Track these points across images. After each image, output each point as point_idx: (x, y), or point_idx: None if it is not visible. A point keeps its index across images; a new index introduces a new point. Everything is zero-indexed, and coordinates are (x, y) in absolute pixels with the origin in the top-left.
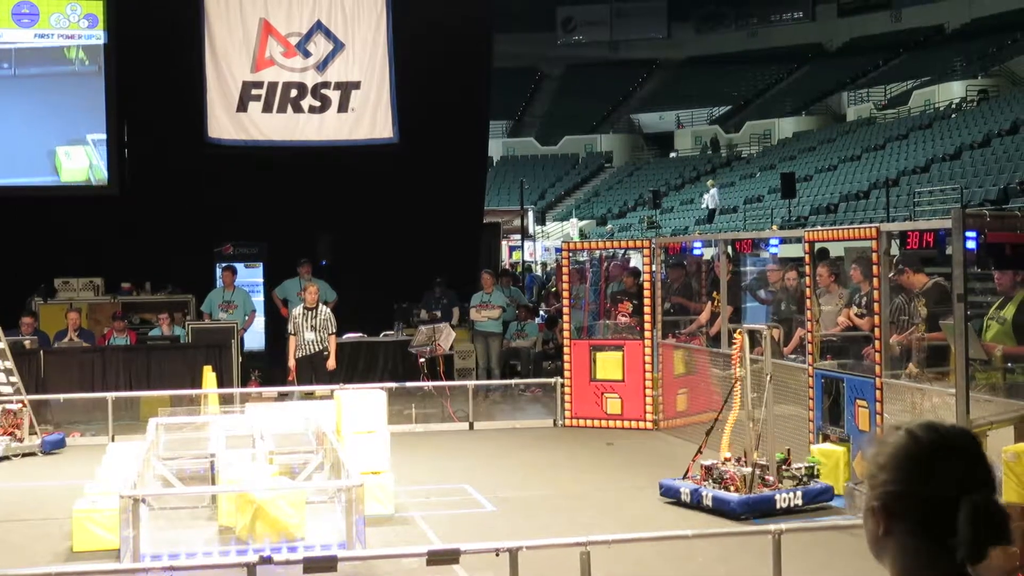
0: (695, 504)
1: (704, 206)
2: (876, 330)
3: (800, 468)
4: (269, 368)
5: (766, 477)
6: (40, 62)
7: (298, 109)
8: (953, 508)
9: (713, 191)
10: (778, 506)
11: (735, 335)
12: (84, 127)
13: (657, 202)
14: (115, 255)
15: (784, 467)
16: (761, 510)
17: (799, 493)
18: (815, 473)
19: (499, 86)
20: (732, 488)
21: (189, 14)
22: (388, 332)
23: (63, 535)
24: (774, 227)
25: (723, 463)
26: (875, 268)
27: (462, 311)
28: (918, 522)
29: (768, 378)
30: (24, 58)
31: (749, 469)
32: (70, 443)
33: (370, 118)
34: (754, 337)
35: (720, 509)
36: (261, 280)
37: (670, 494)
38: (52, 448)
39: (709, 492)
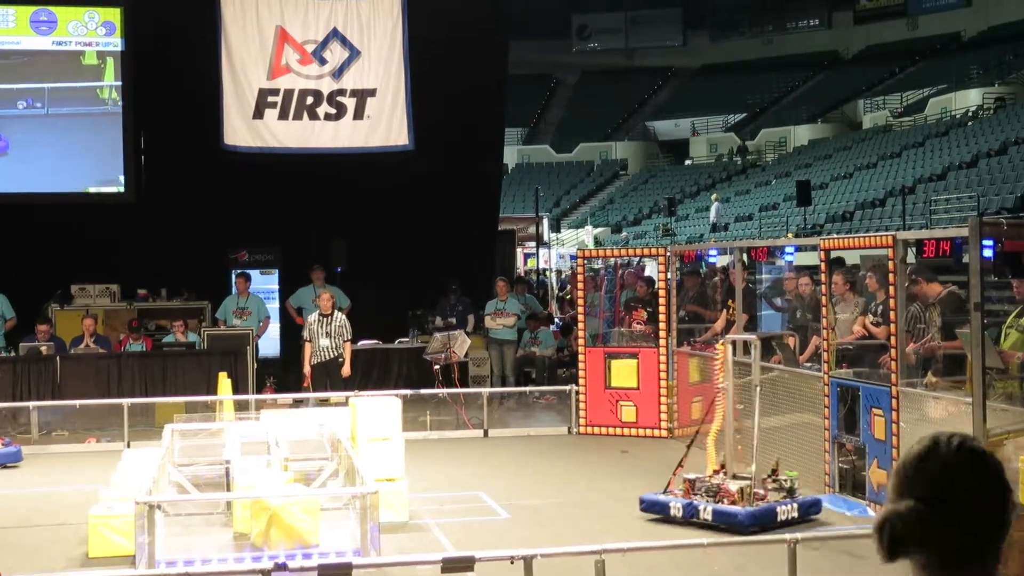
0: (687, 518)
1: (709, 219)
2: (892, 339)
3: (787, 480)
4: (284, 375)
5: (755, 490)
6: (73, 102)
7: (314, 116)
8: (970, 508)
9: (716, 205)
10: (779, 518)
11: (718, 346)
12: (117, 168)
13: (672, 209)
14: (131, 261)
15: (772, 478)
16: (765, 523)
17: (795, 505)
18: (795, 485)
19: (514, 93)
20: (727, 501)
21: (206, 21)
22: (403, 339)
23: (79, 541)
24: (789, 235)
25: (711, 476)
26: (891, 276)
27: (477, 318)
28: (934, 529)
29: (756, 389)
30: (57, 97)
31: (745, 481)
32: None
33: (385, 125)
34: (769, 345)
35: (724, 523)
36: (276, 287)
37: (654, 509)
38: (5, 461)
39: (708, 506)
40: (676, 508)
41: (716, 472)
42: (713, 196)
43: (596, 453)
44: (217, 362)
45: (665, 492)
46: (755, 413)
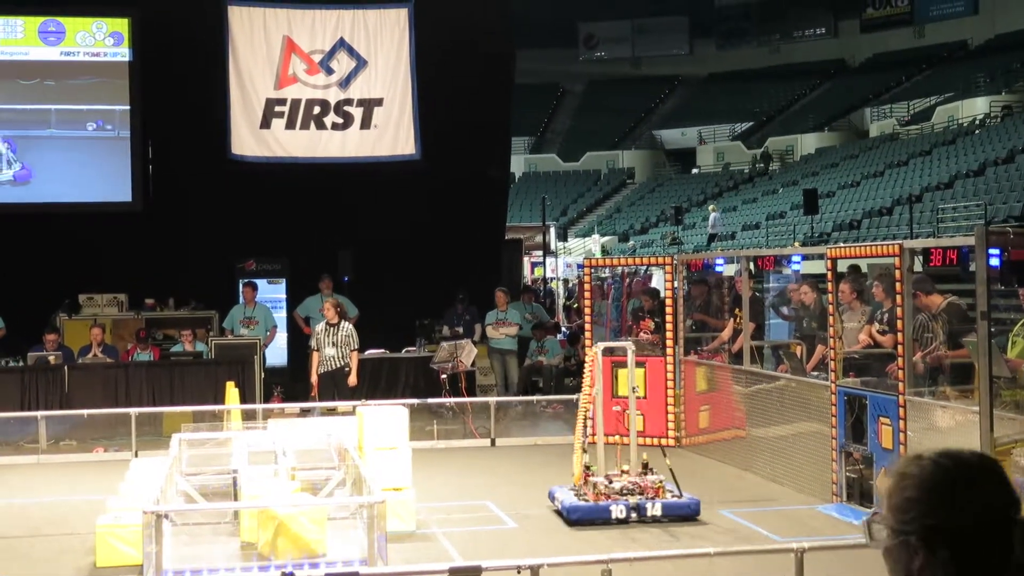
0: (638, 519)
1: (707, 230)
2: (899, 347)
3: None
4: (291, 384)
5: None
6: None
7: (321, 126)
8: (992, 533)
9: (713, 216)
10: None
11: (589, 353)
12: (125, 178)
13: (679, 218)
14: (138, 271)
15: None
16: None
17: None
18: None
19: (521, 102)
20: (652, 495)
21: (213, 31)
22: (410, 348)
23: (86, 550)
24: (796, 244)
25: (621, 474)
26: (898, 285)
27: (484, 328)
28: (956, 551)
29: (633, 392)
30: (112, 118)
31: (656, 477)
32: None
33: (392, 135)
34: (777, 354)
35: (677, 515)
36: (284, 296)
37: (592, 514)
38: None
39: (656, 503)
40: (620, 510)
41: (624, 472)
42: (711, 207)
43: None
44: (224, 371)
45: (579, 496)
46: (632, 423)
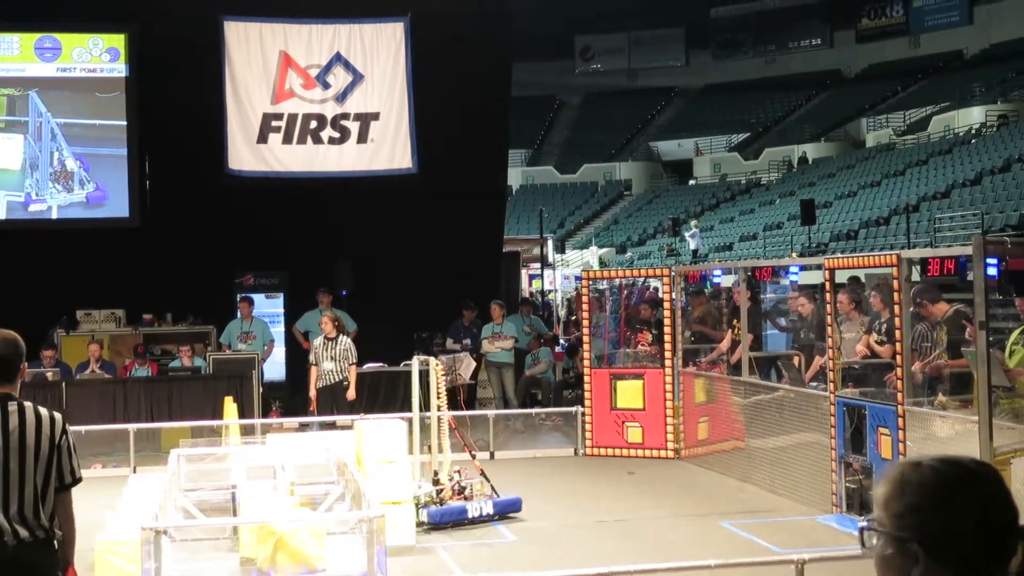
0: (485, 517)
1: (688, 246)
2: (898, 357)
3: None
4: (290, 398)
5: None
6: None
7: (318, 140)
8: (992, 539)
9: (695, 231)
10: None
11: (435, 365)
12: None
13: (676, 230)
14: (136, 287)
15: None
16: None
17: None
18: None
19: (518, 115)
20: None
21: (210, 47)
22: (408, 362)
23: (85, 567)
24: (794, 254)
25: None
26: (896, 295)
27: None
28: (957, 558)
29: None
30: (109, 134)
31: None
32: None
33: (389, 149)
34: (777, 366)
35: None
36: (282, 311)
37: (445, 517)
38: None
39: (488, 503)
40: (475, 508)
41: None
42: (693, 223)
43: (603, 474)
44: (223, 386)
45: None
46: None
